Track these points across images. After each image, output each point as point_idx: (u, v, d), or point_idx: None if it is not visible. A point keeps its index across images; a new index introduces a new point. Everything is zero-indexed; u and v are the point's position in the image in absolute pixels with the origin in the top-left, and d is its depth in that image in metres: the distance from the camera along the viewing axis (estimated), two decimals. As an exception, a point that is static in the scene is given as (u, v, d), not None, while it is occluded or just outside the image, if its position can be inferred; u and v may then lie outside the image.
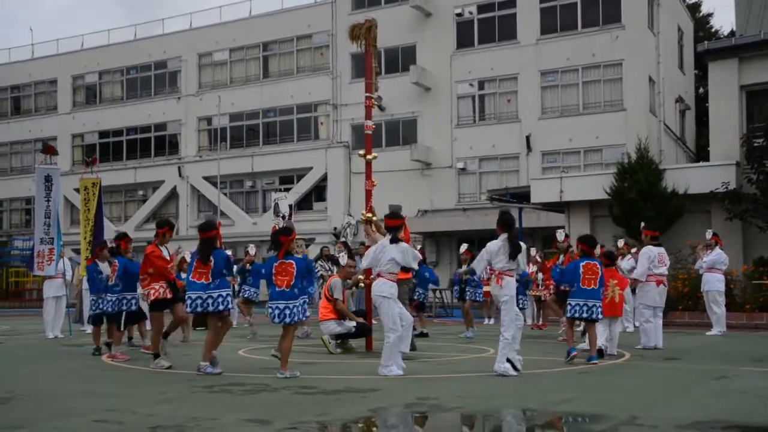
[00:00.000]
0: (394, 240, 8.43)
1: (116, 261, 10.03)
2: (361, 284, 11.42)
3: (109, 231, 31.17)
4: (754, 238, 18.52)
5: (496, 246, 8.17)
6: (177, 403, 6.48)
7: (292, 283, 7.87)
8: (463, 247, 14.89)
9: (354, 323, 10.79)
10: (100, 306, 10.26)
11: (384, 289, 8.27)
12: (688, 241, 17.20)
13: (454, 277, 14.78)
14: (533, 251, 15.21)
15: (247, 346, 11.59)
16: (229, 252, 9.37)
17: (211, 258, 8.20)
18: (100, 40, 38.11)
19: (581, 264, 9.38)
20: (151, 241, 9.15)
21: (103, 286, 10.23)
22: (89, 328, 14.18)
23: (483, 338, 12.91)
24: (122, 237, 10.33)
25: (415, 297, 12.98)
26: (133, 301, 10.12)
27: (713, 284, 14.03)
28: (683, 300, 16.95)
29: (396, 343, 8.15)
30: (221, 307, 8.20)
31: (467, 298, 14.10)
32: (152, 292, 8.89)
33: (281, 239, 8.06)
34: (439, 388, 7.32)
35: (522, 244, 8.27)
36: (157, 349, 8.87)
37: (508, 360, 7.98)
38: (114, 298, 9.97)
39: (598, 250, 10.23)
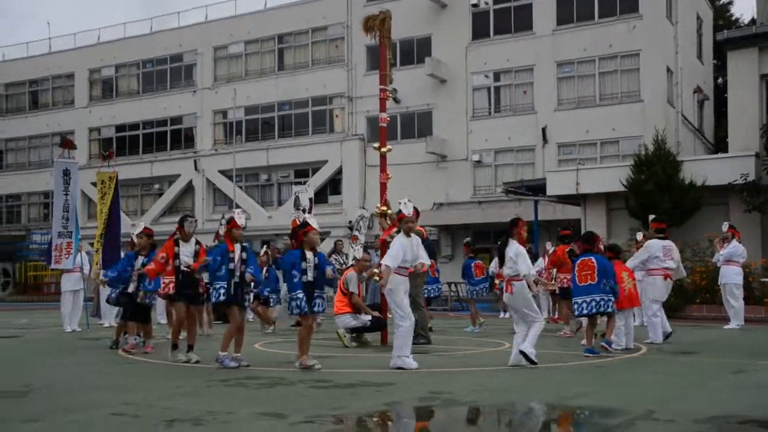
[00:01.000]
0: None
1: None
2: (376, 278, 11.42)
3: (126, 225, 31.38)
4: (772, 231, 18.35)
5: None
6: (193, 397, 6.51)
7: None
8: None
9: (369, 317, 10.80)
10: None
11: (395, 281, 8.23)
12: (705, 233, 17.05)
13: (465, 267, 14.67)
14: (548, 245, 15.14)
15: (264, 340, 11.64)
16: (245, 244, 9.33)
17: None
18: (116, 34, 38.34)
19: (576, 262, 9.42)
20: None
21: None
22: (107, 322, 14.35)
23: (498, 332, 12.89)
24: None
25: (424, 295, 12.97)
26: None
27: (731, 277, 13.90)
28: (700, 293, 16.82)
29: (409, 331, 8.11)
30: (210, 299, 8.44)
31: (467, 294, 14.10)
32: (163, 286, 9.13)
33: (298, 232, 8.16)
34: (454, 381, 7.31)
35: (514, 245, 8.21)
36: (176, 340, 8.99)
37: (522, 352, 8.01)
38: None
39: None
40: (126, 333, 10.37)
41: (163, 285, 9.17)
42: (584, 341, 9.54)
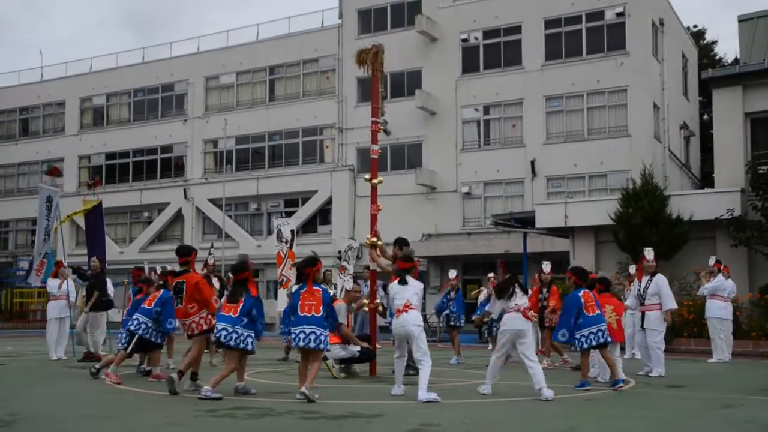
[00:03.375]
0: (403, 281, 8.58)
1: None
2: (365, 308, 11.41)
3: (113, 252, 31.20)
4: (759, 265, 18.46)
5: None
6: (179, 427, 6.46)
7: (321, 309, 8.02)
8: (452, 273, 15.05)
9: (358, 348, 10.76)
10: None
11: (420, 319, 8.46)
12: (693, 267, 17.17)
13: (439, 305, 14.77)
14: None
15: (252, 370, 11.54)
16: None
17: (240, 299, 8.26)
18: (108, 63, 38.49)
19: (579, 294, 9.52)
20: (188, 271, 9.14)
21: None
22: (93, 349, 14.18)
23: (486, 364, 12.84)
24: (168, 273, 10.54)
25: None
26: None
27: (713, 311, 14.02)
28: (688, 327, 16.87)
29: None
30: (242, 345, 8.18)
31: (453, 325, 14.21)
32: (202, 321, 8.89)
33: (306, 271, 8.18)
34: (443, 414, 7.28)
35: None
36: (186, 369, 8.84)
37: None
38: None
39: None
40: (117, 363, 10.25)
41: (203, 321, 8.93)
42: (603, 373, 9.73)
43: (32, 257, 15.13)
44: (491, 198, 29.02)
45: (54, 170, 15.95)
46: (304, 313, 7.99)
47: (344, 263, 20.00)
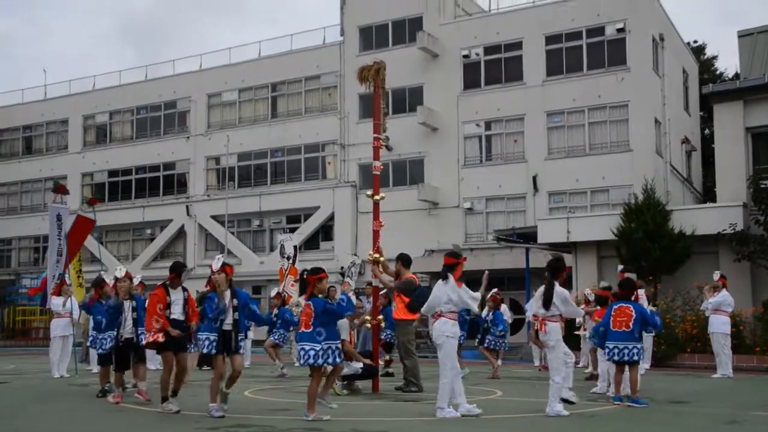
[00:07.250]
0: (444, 277, 8.38)
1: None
2: (368, 325, 11.40)
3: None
4: (762, 280, 18.42)
5: (539, 292, 8.47)
6: (182, 445, 6.45)
7: (310, 323, 7.79)
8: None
9: (361, 364, 10.74)
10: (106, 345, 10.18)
11: (446, 328, 8.16)
12: (696, 282, 17.13)
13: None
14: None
15: (254, 387, 11.53)
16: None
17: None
18: (111, 81, 38.67)
19: (614, 307, 9.50)
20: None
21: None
22: (95, 368, 14.19)
23: (489, 380, 12.83)
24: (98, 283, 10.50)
25: (382, 337, 13.04)
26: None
27: (718, 326, 13.98)
28: (691, 342, 16.82)
29: (450, 384, 8.04)
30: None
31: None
32: (150, 335, 8.65)
33: (307, 278, 8.15)
34: (445, 430, 7.27)
35: (561, 289, 8.37)
36: (166, 392, 8.62)
37: (563, 399, 8.13)
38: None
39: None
40: (110, 381, 10.18)
41: (150, 334, 8.66)
42: (611, 388, 9.72)
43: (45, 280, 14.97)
44: (493, 213, 29.02)
45: (60, 188, 16.00)
46: (302, 330, 7.90)
47: (347, 279, 20.01)
